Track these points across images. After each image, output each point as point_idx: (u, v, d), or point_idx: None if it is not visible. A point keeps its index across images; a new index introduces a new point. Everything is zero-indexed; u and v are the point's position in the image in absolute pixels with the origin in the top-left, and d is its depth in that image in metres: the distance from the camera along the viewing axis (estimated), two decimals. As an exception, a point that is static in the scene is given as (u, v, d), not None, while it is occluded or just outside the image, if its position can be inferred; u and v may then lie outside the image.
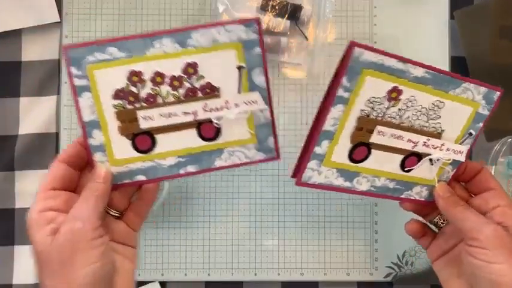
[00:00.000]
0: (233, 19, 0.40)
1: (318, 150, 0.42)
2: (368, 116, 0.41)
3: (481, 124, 0.45)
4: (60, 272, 0.37)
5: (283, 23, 0.58)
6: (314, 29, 0.60)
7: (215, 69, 0.40)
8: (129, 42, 0.38)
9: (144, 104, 0.40)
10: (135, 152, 0.41)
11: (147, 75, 0.39)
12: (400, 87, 0.41)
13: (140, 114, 0.40)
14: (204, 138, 0.41)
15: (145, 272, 0.59)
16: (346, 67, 0.39)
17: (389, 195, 0.46)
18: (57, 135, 0.60)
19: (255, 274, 0.60)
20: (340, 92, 0.40)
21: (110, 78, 0.39)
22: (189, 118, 0.40)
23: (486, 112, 0.44)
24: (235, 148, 0.42)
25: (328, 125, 0.41)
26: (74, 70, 0.39)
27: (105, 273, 0.38)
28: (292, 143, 0.60)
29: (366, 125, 0.42)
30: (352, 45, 0.38)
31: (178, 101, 0.40)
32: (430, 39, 0.61)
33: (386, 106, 0.41)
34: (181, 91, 0.40)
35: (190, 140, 0.41)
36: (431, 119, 0.43)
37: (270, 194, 0.60)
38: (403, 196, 0.46)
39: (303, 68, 0.60)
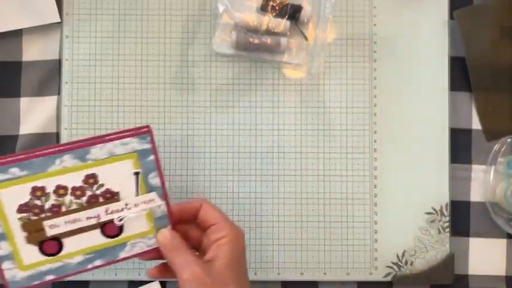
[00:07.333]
0: (128, 130, 0.44)
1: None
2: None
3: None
4: None
5: (283, 23, 0.58)
6: (314, 29, 0.60)
7: (114, 177, 0.44)
8: (31, 162, 0.41)
9: (49, 214, 0.42)
10: (43, 256, 0.43)
11: (50, 189, 0.42)
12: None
13: (46, 223, 0.42)
14: (108, 236, 0.44)
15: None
16: None
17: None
18: (57, 135, 0.60)
19: (255, 274, 0.60)
20: None
21: (13, 194, 0.41)
22: (93, 221, 0.44)
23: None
24: (137, 240, 0.45)
25: None
26: None
27: None
28: (292, 143, 0.60)
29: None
30: None
31: (82, 207, 0.43)
32: (430, 39, 0.61)
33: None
34: (84, 198, 0.43)
35: (95, 239, 0.44)
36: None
37: (270, 193, 0.60)
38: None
39: (302, 68, 0.60)
